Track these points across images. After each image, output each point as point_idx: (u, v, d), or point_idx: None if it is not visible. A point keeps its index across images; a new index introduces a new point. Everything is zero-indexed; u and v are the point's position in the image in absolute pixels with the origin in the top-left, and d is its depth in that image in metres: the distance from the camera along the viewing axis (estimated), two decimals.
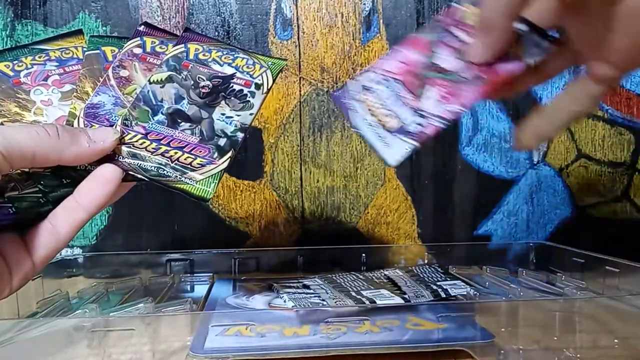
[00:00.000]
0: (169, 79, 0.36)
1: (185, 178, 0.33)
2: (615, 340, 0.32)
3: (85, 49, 0.38)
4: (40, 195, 0.32)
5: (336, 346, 0.32)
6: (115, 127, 0.34)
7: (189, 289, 0.53)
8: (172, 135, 0.34)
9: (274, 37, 0.64)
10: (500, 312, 0.33)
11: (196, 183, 0.33)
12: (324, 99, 0.64)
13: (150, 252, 0.59)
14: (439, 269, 0.52)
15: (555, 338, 0.32)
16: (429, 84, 0.33)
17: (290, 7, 0.64)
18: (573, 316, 0.32)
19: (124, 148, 0.33)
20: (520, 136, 0.34)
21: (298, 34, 0.64)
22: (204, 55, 0.38)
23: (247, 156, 0.64)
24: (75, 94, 0.35)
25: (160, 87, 0.35)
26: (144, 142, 0.33)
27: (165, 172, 0.33)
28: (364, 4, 0.64)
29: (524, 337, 0.32)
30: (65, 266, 0.55)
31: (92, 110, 0.34)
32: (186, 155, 0.33)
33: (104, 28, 0.62)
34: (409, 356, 0.32)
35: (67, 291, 0.48)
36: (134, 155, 0.33)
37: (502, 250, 0.62)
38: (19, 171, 0.32)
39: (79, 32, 0.39)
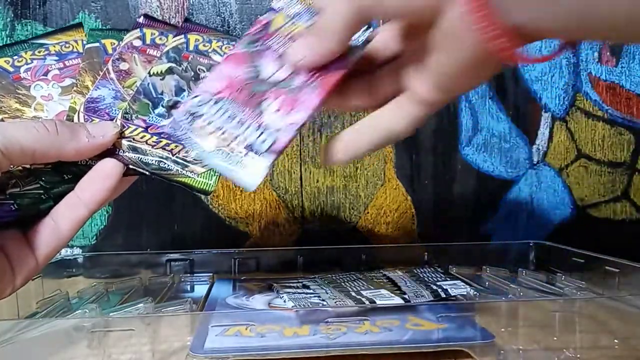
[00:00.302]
0: (169, 71, 0.35)
1: (186, 171, 0.33)
2: (615, 341, 0.32)
3: (85, 42, 0.37)
4: (42, 191, 0.32)
5: (336, 346, 0.32)
6: (115, 120, 0.33)
7: (188, 289, 0.53)
8: None
9: None
10: (500, 312, 0.33)
11: (197, 176, 0.32)
12: None
13: (150, 252, 0.59)
14: (439, 269, 0.52)
15: (555, 338, 0.32)
16: (265, 97, 0.32)
17: None
18: (573, 316, 0.32)
19: (125, 142, 0.33)
20: (332, 150, 0.32)
21: None
22: (204, 45, 0.37)
23: None
24: (75, 88, 0.35)
25: (161, 79, 0.35)
26: (145, 135, 0.33)
27: (166, 165, 0.33)
28: None
29: (524, 337, 0.32)
30: (65, 266, 0.55)
31: (92, 105, 0.34)
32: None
33: (104, 28, 0.62)
34: (409, 356, 0.32)
35: (67, 291, 0.48)
36: (135, 149, 0.33)
37: (502, 250, 0.62)
38: (20, 168, 0.32)
39: (78, 26, 0.39)
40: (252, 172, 0.31)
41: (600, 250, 0.50)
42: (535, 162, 0.67)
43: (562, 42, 0.27)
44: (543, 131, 0.67)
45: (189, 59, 0.36)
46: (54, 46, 0.37)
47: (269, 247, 0.63)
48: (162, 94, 0.34)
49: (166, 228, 0.63)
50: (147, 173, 0.32)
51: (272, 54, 0.33)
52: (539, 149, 0.67)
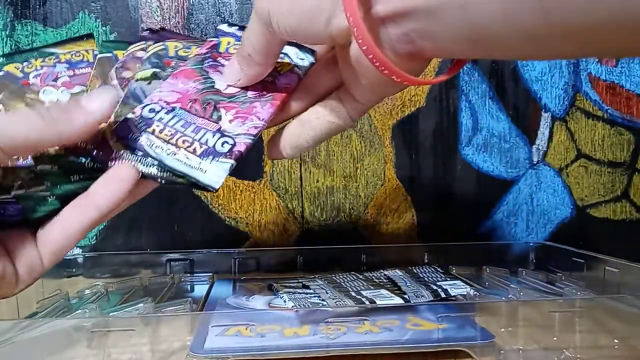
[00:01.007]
0: (155, 76, 0.36)
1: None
2: (615, 341, 0.32)
3: (96, 52, 0.38)
4: (48, 193, 0.32)
5: (336, 346, 0.32)
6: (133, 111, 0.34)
7: (188, 289, 0.53)
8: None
9: None
10: (500, 312, 0.33)
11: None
12: None
13: (150, 252, 0.59)
14: (439, 269, 0.52)
15: (555, 338, 0.32)
16: (220, 107, 0.34)
17: None
18: (573, 316, 0.32)
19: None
20: (279, 145, 0.34)
21: None
22: (184, 52, 0.38)
23: (246, 156, 0.64)
24: (84, 95, 0.35)
25: (147, 83, 0.35)
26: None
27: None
28: None
29: (524, 337, 0.32)
30: (65, 266, 0.55)
31: None
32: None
33: (104, 28, 0.62)
34: (409, 356, 0.32)
35: (67, 291, 0.48)
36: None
37: (502, 250, 0.62)
38: (25, 169, 0.31)
39: (90, 36, 0.39)
40: (212, 175, 0.31)
41: (600, 250, 0.50)
42: (535, 162, 0.67)
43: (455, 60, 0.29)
44: (543, 131, 0.67)
45: (172, 64, 0.37)
46: (65, 55, 0.38)
47: (269, 247, 0.63)
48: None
49: (166, 228, 0.63)
50: (158, 177, 0.32)
51: (223, 70, 0.36)
52: (538, 149, 0.67)
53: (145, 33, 0.39)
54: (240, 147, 0.32)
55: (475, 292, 0.44)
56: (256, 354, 0.31)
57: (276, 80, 0.35)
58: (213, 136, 0.33)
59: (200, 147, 0.32)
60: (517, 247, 0.62)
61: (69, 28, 0.61)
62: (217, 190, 0.32)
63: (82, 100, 0.30)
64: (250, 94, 0.34)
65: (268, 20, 0.29)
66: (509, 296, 0.46)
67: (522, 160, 0.67)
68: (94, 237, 0.63)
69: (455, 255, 0.59)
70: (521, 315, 0.32)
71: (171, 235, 0.63)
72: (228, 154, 0.32)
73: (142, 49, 0.38)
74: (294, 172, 0.64)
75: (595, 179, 0.67)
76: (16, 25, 0.61)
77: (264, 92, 0.34)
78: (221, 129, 0.33)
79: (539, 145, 0.67)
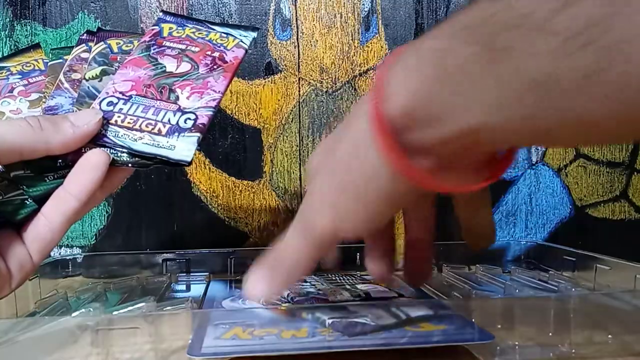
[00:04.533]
0: (104, 73, 0.37)
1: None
2: (609, 336, 0.32)
3: (46, 61, 0.40)
4: (25, 197, 0.32)
5: (336, 347, 0.32)
6: (93, 107, 0.35)
7: (185, 288, 0.53)
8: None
9: (273, 38, 0.64)
10: (496, 309, 0.33)
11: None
12: (323, 99, 0.64)
13: (146, 252, 0.59)
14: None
15: (551, 334, 0.32)
16: (175, 87, 0.35)
17: (289, 7, 0.64)
18: (567, 313, 0.32)
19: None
20: (255, 290, 0.34)
21: (297, 34, 0.64)
22: (127, 46, 0.39)
23: (246, 156, 0.64)
24: (43, 100, 0.36)
25: (98, 81, 0.37)
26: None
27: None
28: (363, 4, 0.64)
29: (520, 333, 0.32)
30: (63, 266, 0.56)
31: (51, 112, 0.35)
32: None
33: (64, 46, 0.62)
34: (409, 356, 0.32)
35: (65, 291, 0.48)
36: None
37: (496, 249, 0.62)
38: None
39: (37, 46, 0.41)
40: (182, 150, 0.33)
41: (599, 250, 0.50)
42: (534, 162, 0.67)
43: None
44: None
45: (118, 59, 0.38)
46: (15, 67, 0.39)
47: (269, 247, 0.63)
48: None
49: (166, 228, 0.63)
50: (129, 158, 0.33)
51: (170, 53, 0.38)
52: (537, 149, 0.67)
53: (84, 36, 0.40)
54: (203, 120, 0.34)
55: (474, 292, 0.44)
56: (254, 355, 0.31)
57: (224, 55, 0.37)
58: (174, 115, 0.34)
59: (164, 126, 0.33)
60: (509, 246, 0.62)
61: (69, 28, 0.62)
62: (189, 164, 0.33)
63: (70, 116, 0.32)
64: (202, 70, 0.36)
65: (332, 234, 0.29)
66: (505, 294, 0.46)
67: (520, 160, 0.67)
68: (93, 238, 0.63)
69: (449, 254, 0.59)
70: (517, 311, 0.32)
71: (171, 236, 0.63)
72: (192, 128, 0.33)
73: (86, 51, 0.39)
74: (293, 172, 0.65)
75: (594, 179, 0.68)
76: (15, 25, 0.61)
77: (215, 67, 0.37)
78: (181, 108, 0.34)
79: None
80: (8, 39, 0.61)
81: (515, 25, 0.19)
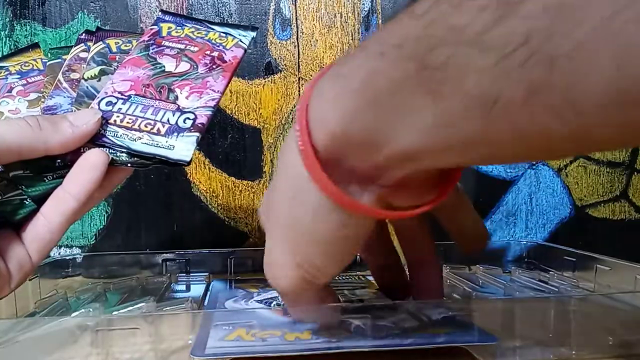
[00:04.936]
0: (103, 72, 0.37)
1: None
2: (610, 337, 0.32)
3: (45, 60, 0.39)
4: (24, 197, 0.32)
5: (339, 348, 0.32)
6: (92, 107, 0.34)
7: (184, 288, 0.53)
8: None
9: (273, 37, 0.64)
10: (497, 310, 0.33)
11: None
12: None
13: (146, 252, 0.59)
14: None
15: (551, 335, 0.32)
16: (174, 87, 0.35)
17: (289, 7, 0.64)
18: (568, 313, 0.32)
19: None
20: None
21: (297, 34, 0.64)
22: (125, 46, 0.39)
23: (246, 156, 0.64)
24: (42, 100, 0.36)
25: (97, 80, 0.37)
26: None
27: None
28: (363, 4, 0.64)
29: (520, 334, 0.32)
30: (62, 266, 0.55)
31: (50, 112, 0.35)
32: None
33: (63, 46, 0.62)
34: (409, 356, 0.32)
35: (65, 291, 0.48)
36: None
37: (496, 250, 0.62)
38: None
39: (35, 46, 0.41)
40: (181, 150, 0.33)
41: (599, 250, 0.50)
42: (534, 162, 0.67)
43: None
44: None
45: (117, 58, 0.38)
46: (14, 67, 0.39)
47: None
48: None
49: (165, 228, 0.63)
50: (128, 159, 0.33)
51: (169, 52, 0.38)
52: None
53: (83, 35, 0.40)
54: (202, 120, 0.34)
55: (474, 294, 0.44)
56: (257, 356, 0.31)
57: (223, 55, 0.37)
58: (173, 115, 0.34)
59: (163, 126, 0.33)
60: (510, 246, 0.62)
61: (69, 28, 0.62)
62: (189, 164, 0.33)
63: (69, 115, 0.32)
64: (201, 69, 0.36)
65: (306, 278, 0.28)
66: (505, 294, 0.46)
67: None
68: (93, 238, 0.63)
69: (450, 254, 0.59)
70: (517, 312, 0.32)
71: (171, 236, 0.63)
72: (191, 127, 0.33)
73: (84, 50, 0.39)
74: None
75: (594, 179, 0.68)
76: (15, 25, 0.61)
77: (214, 66, 0.37)
78: (180, 107, 0.34)
79: None
80: (8, 38, 0.61)
81: (450, 40, 0.18)
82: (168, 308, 0.43)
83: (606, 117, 0.16)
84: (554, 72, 0.16)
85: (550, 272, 0.52)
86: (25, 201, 0.32)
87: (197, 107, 0.34)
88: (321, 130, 0.23)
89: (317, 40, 0.64)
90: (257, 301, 0.44)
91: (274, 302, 0.42)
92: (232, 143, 0.63)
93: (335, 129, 0.22)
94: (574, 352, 0.31)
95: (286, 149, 0.25)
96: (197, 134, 0.33)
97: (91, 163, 0.31)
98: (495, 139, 0.19)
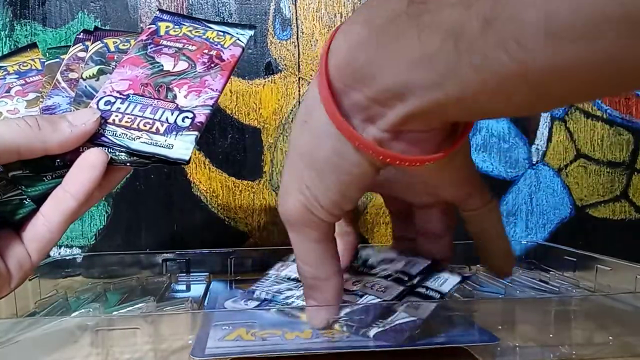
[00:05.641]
0: (101, 72, 0.37)
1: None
2: (610, 338, 0.32)
3: (43, 60, 0.39)
4: (24, 197, 0.32)
5: (338, 348, 0.32)
6: (90, 106, 0.34)
7: (185, 288, 0.53)
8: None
9: (273, 37, 0.64)
10: (497, 310, 0.33)
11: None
12: None
13: (146, 252, 0.59)
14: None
15: (551, 335, 0.32)
16: (173, 86, 0.35)
17: (289, 7, 0.64)
18: (568, 314, 0.32)
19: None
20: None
21: (297, 34, 0.64)
22: (124, 45, 0.39)
23: (246, 156, 0.64)
24: (40, 99, 0.36)
25: (95, 80, 0.37)
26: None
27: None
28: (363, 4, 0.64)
29: (521, 334, 0.32)
30: (62, 266, 0.55)
31: (48, 112, 0.35)
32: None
33: (61, 45, 0.62)
34: (409, 356, 0.32)
35: (65, 291, 0.48)
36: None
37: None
38: None
39: (33, 46, 0.41)
40: (179, 149, 0.33)
41: (599, 250, 0.50)
42: (534, 162, 0.67)
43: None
44: (542, 131, 0.67)
45: (115, 58, 0.38)
46: (12, 66, 0.39)
47: (269, 247, 0.63)
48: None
49: (165, 228, 0.63)
50: (127, 159, 0.33)
51: (167, 51, 0.38)
52: (538, 149, 0.67)
53: (81, 35, 0.40)
54: (201, 118, 0.34)
55: (475, 292, 0.44)
56: (258, 355, 0.31)
57: (221, 54, 0.38)
58: (172, 114, 0.34)
59: (162, 125, 0.33)
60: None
61: (69, 28, 0.62)
62: (188, 163, 0.33)
63: (68, 115, 0.32)
64: (199, 68, 0.36)
65: (312, 215, 0.29)
66: (506, 294, 0.46)
67: (521, 160, 0.67)
68: (93, 238, 0.63)
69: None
70: (518, 312, 0.32)
71: (170, 236, 0.63)
72: (190, 126, 0.33)
73: (82, 50, 0.39)
74: None
75: (594, 179, 0.67)
76: (15, 25, 0.61)
77: (212, 65, 0.37)
78: (178, 106, 0.34)
79: (538, 145, 0.67)
80: (8, 38, 0.61)
81: None
82: (168, 308, 0.43)
83: (544, 51, 0.18)
84: (498, 5, 0.18)
85: (551, 272, 0.52)
86: (24, 201, 0.32)
87: (196, 106, 0.34)
88: (332, 58, 0.25)
89: (317, 40, 0.64)
90: (258, 296, 0.43)
91: (281, 296, 0.41)
92: (232, 143, 0.63)
93: (343, 58, 0.24)
94: (574, 352, 0.31)
95: (312, 82, 0.27)
96: (196, 132, 0.33)
97: (90, 162, 0.31)
98: (465, 78, 0.20)
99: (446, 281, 0.41)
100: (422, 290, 0.40)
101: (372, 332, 0.32)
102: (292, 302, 0.39)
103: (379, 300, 0.37)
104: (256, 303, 0.41)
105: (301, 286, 0.39)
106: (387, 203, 0.42)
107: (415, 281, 0.38)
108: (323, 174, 0.27)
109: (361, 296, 0.38)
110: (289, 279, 0.44)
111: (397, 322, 0.32)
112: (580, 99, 0.23)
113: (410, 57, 0.22)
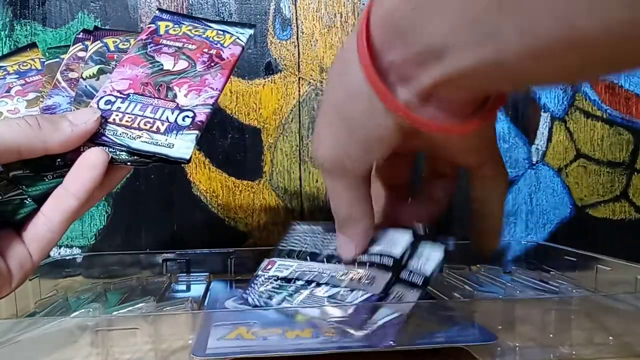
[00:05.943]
0: (101, 71, 0.37)
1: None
2: (610, 338, 0.32)
3: (43, 60, 0.39)
4: (25, 196, 0.32)
5: (337, 348, 0.32)
6: (91, 106, 0.34)
7: (185, 288, 0.53)
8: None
9: (273, 37, 0.64)
10: (497, 310, 0.33)
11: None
12: None
13: (146, 252, 0.59)
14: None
15: (551, 335, 0.32)
16: (173, 85, 0.36)
17: (289, 7, 0.64)
18: (568, 314, 0.32)
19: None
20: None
21: (297, 34, 0.64)
22: (123, 44, 0.39)
23: (246, 156, 0.64)
24: (40, 99, 0.36)
25: (95, 80, 0.37)
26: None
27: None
28: (363, 4, 0.64)
29: (521, 334, 0.32)
30: (62, 266, 0.55)
31: (49, 112, 0.35)
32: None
33: (60, 45, 0.62)
34: (409, 356, 0.32)
35: (65, 291, 0.48)
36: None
37: (496, 250, 0.62)
38: None
39: (33, 46, 0.41)
40: (180, 148, 0.33)
41: (599, 250, 0.50)
42: (534, 162, 0.67)
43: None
44: (542, 131, 0.67)
45: (115, 57, 0.38)
46: (12, 66, 0.39)
47: (269, 247, 0.63)
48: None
49: (165, 228, 0.63)
50: (128, 158, 0.33)
51: (167, 51, 0.38)
52: (538, 149, 0.67)
53: (80, 34, 0.40)
54: (201, 117, 0.34)
55: (476, 292, 0.44)
56: (258, 355, 0.31)
57: (221, 53, 0.38)
58: (172, 113, 0.34)
59: (163, 124, 0.33)
60: (510, 246, 0.62)
61: (68, 28, 0.62)
62: (188, 162, 0.33)
63: (68, 115, 0.32)
64: (199, 67, 0.37)
65: (341, 167, 0.30)
66: (505, 294, 0.46)
67: (521, 160, 0.67)
68: (93, 238, 0.63)
69: (450, 254, 0.58)
70: (517, 312, 0.32)
71: (170, 236, 0.63)
72: (191, 125, 0.33)
73: (82, 49, 0.39)
74: (293, 172, 0.64)
75: (594, 178, 0.67)
76: (15, 25, 0.61)
77: (212, 64, 0.37)
78: (179, 105, 0.34)
79: (538, 145, 0.67)
80: (8, 38, 0.61)
81: None
82: (168, 308, 0.43)
83: (593, 15, 0.17)
84: None
85: (551, 272, 0.52)
86: (25, 201, 0.32)
87: (196, 105, 0.34)
88: (374, 15, 0.25)
89: (317, 40, 0.64)
90: (252, 302, 0.43)
91: (273, 301, 0.41)
92: (232, 143, 0.63)
93: (383, 15, 0.24)
94: (574, 352, 0.31)
95: (350, 35, 0.28)
96: (197, 131, 0.33)
97: (91, 162, 0.31)
98: (508, 42, 0.20)
99: (429, 258, 0.39)
100: (405, 275, 0.37)
101: (366, 331, 0.32)
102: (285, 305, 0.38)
103: (368, 294, 0.36)
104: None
105: (292, 285, 0.39)
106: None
107: (400, 264, 0.37)
108: (353, 129, 0.28)
109: (352, 291, 0.37)
110: (277, 278, 0.44)
111: (386, 319, 0.33)
112: (631, 66, 0.22)
113: (453, 16, 0.21)
